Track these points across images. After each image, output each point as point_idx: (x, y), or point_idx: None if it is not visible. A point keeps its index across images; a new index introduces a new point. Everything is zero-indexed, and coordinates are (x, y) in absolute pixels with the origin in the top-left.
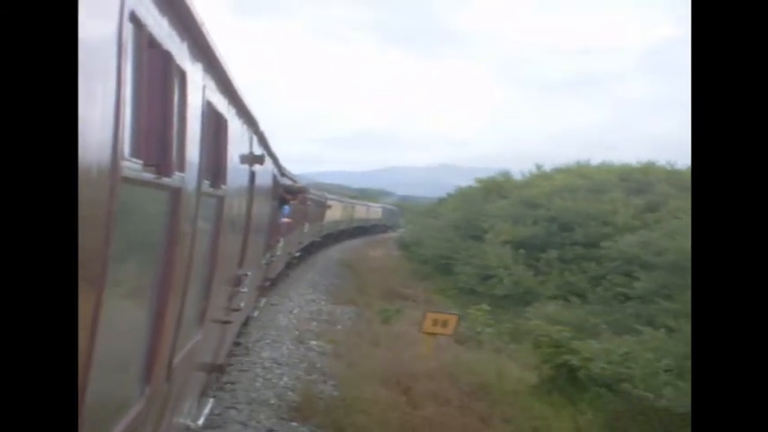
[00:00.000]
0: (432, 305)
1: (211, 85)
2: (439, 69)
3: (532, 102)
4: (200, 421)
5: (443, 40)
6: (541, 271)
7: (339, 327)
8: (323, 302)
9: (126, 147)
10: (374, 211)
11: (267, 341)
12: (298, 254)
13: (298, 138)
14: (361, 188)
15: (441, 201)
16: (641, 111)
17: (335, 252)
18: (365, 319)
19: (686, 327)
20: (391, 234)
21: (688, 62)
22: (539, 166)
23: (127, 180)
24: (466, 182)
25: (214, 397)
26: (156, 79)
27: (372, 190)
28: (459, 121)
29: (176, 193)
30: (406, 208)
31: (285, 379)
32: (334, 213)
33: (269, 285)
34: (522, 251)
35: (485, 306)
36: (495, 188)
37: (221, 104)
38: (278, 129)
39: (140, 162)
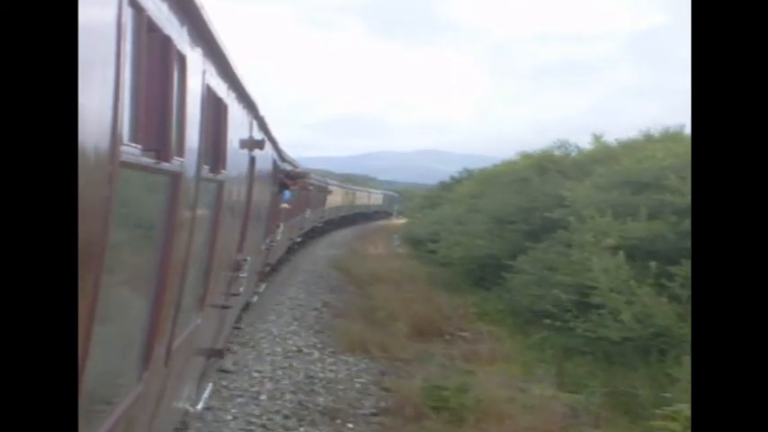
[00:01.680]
0: (497, 352)
1: (211, 70)
2: (426, 56)
3: (519, 89)
4: (200, 405)
5: (431, 27)
6: (678, 297)
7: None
8: (315, 353)
9: (125, 132)
10: (375, 198)
11: None
12: (299, 239)
13: (285, 123)
14: (346, 173)
15: (445, 185)
16: (627, 96)
17: (325, 248)
18: (399, 406)
19: None
20: (386, 222)
21: (674, 48)
22: (597, 137)
23: (126, 165)
24: (450, 167)
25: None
26: (155, 64)
27: (356, 175)
28: (444, 107)
29: (176, 178)
30: (404, 194)
31: None
32: (336, 199)
33: (269, 270)
34: (638, 263)
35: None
36: (552, 165)
37: (221, 89)
38: (266, 114)
39: (139, 147)
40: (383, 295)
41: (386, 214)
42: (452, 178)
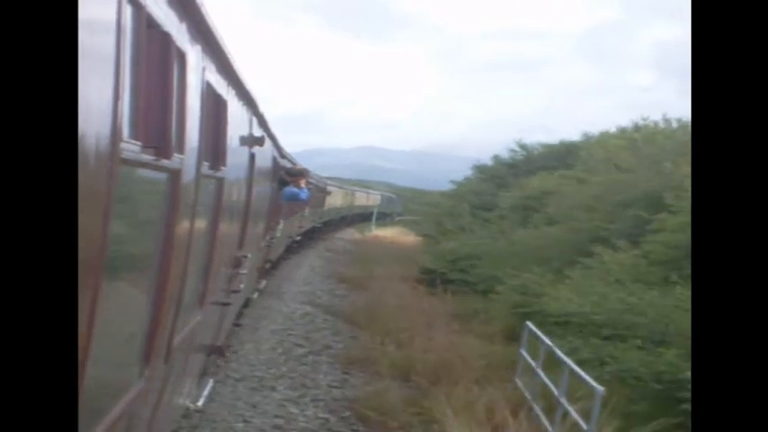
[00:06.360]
0: None
1: (211, 67)
2: (375, 52)
3: (469, 85)
4: (200, 402)
5: (382, 21)
6: None
7: None
8: None
9: (125, 128)
10: (373, 198)
11: None
12: (299, 237)
13: None
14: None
15: (488, 171)
16: (576, 93)
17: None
18: None
19: None
20: (361, 235)
21: (626, 44)
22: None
23: (126, 162)
24: (391, 164)
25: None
26: (155, 60)
27: None
28: (392, 104)
29: (175, 175)
30: (404, 198)
31: None
32: (335, 200)
33: (269, 267)
34: None
35: None
36: None
37: (221, 86)
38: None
39: (139, 144)
40: None
41: (383, 215)
42: (499, 160)
